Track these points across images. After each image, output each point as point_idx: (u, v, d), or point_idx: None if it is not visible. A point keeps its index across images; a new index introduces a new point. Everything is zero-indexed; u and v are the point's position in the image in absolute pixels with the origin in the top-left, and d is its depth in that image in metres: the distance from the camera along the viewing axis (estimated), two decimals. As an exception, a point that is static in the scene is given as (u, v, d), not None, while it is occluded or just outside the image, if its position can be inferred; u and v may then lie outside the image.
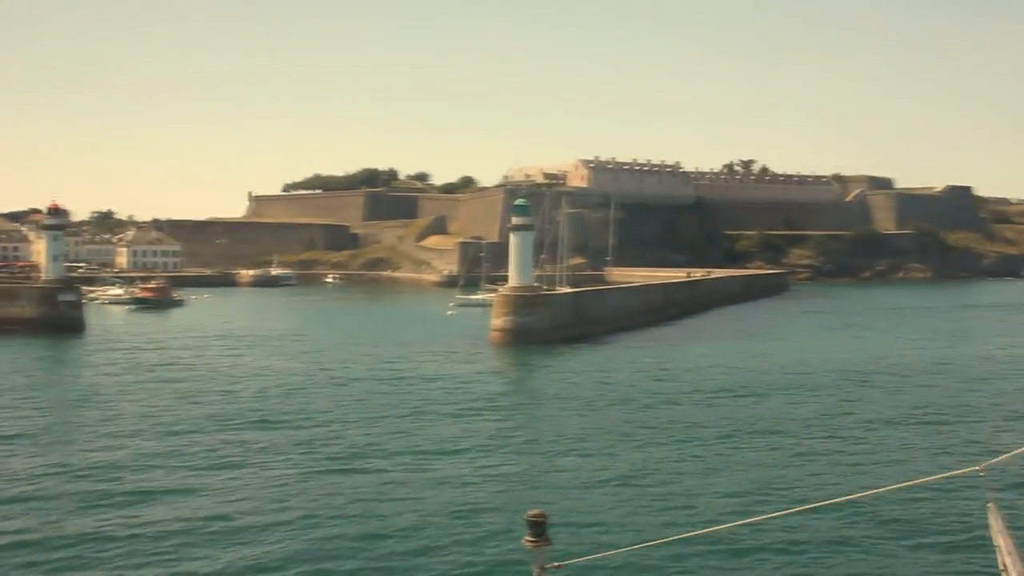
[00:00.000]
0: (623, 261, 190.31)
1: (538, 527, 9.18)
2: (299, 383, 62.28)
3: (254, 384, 61.71)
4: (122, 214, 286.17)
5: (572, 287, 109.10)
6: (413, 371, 68.01)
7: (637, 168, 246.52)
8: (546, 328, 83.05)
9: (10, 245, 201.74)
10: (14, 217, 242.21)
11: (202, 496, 34.86)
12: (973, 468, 8.56)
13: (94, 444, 43.69)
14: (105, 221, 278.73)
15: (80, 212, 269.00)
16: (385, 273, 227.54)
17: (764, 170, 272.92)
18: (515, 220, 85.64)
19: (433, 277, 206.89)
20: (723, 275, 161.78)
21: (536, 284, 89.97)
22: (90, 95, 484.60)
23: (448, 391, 59.53)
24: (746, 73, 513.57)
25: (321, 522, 31.64)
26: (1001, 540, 7.93)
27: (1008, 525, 8.07)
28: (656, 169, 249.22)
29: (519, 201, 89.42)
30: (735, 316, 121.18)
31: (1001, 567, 7.83)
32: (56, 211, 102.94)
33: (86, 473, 38.18)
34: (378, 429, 47.01)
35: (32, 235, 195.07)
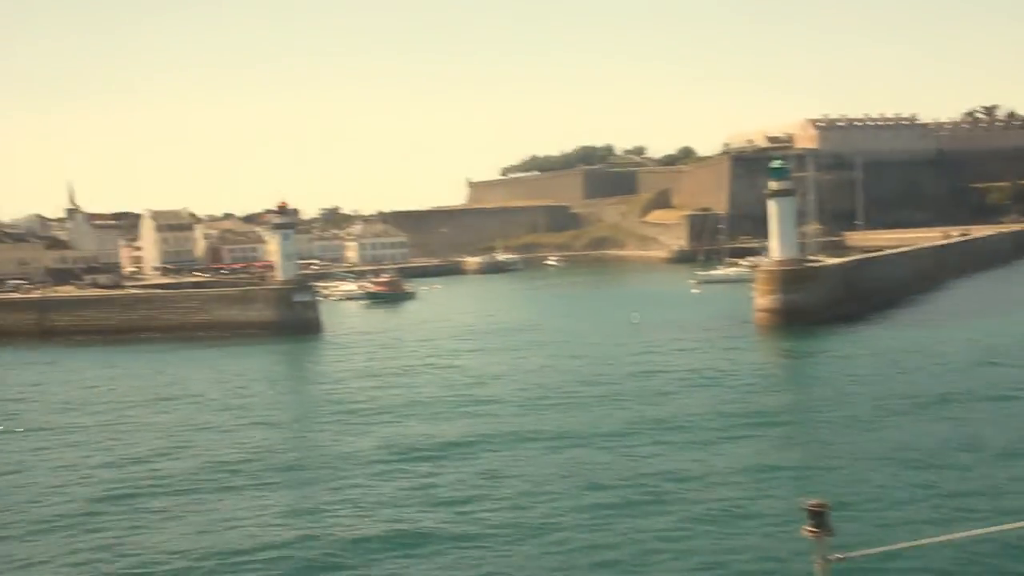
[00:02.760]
0: (854, 225, 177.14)
1: (819, 517, 8.98)
2: (551, 380, 56.79)
3: (505, 385, 56.42)
4: (348, 209, 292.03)
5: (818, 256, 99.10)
6: (677, 362, 60.94)
7: (870, 124, 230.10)
8: (818, 305, 73.72)
9: (248, 246, 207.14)
10: (250, 219, 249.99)
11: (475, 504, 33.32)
12: None
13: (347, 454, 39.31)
14: (333, 217, 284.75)
15: (309, 210, 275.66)
16: (611, 252, 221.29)
17: (1011, 115, 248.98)
18: (774, 185, 76.48)
19: (662, 253, 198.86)
20: (985, 233, 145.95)
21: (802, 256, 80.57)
22: (309, 98, 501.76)
23: (721, 382, 53.61)
24: (979, 9, 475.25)
25: (589, 511, 31.65)
26: None
27: None
28: (891, 123, 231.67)
29: (777, 163, 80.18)
30: (1015, 279, 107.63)
31: None
32: (284, 210, 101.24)
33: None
34: (647, 422, 44.20)
35: (267, 235, 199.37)
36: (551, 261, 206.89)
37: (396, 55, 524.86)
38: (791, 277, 74.25)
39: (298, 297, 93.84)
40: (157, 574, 28.45)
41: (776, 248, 76.41)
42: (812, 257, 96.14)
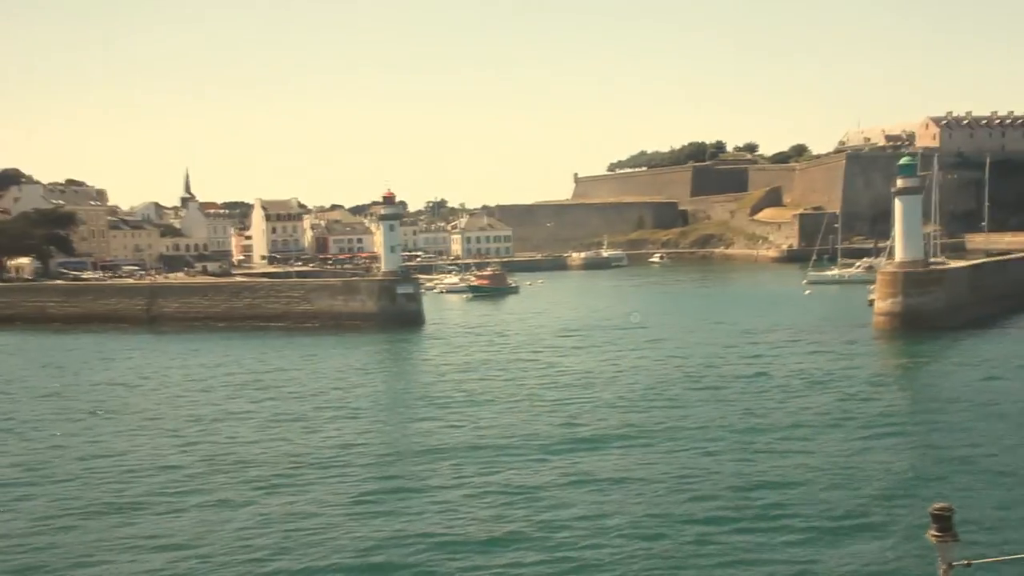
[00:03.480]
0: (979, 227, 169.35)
1: (944, 521, 8.71)
2: (657, 381, 54.46)
3: (608, 384, 54.40)
4: (454, 202, 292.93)
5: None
6: (792, 366, 57.99)
7: (997, 122, 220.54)
8: (943, 310, 69.67)
9: (354, 237, 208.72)
10: (358, 210, 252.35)
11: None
12: None
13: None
14: (439, 210, 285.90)
15: (416, 202, 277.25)
16: (718, 250, 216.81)
17: None
18: (901, 183, 72.26)
19: (771, 252, 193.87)
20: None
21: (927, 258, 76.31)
22: (420, 94, 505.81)
23: (840, 387, 50.90)
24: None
25: (694, 523, 30.12)
26: None
27: None
28: (1020, 122, 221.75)
29: (905, 160, 75.96)
30: None
31: None
32: (390, 200, 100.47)
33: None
34: (761, 428, 42.30)
35: (373, 226, 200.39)
36: (655, 259, 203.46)
37: (507, 51, 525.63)
38: (915, 280, 70.14)
39: (401, 289, 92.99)
40: (236, 568, 27.46)
41: (900, 249, 72.22)
42: (934, 259, 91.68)
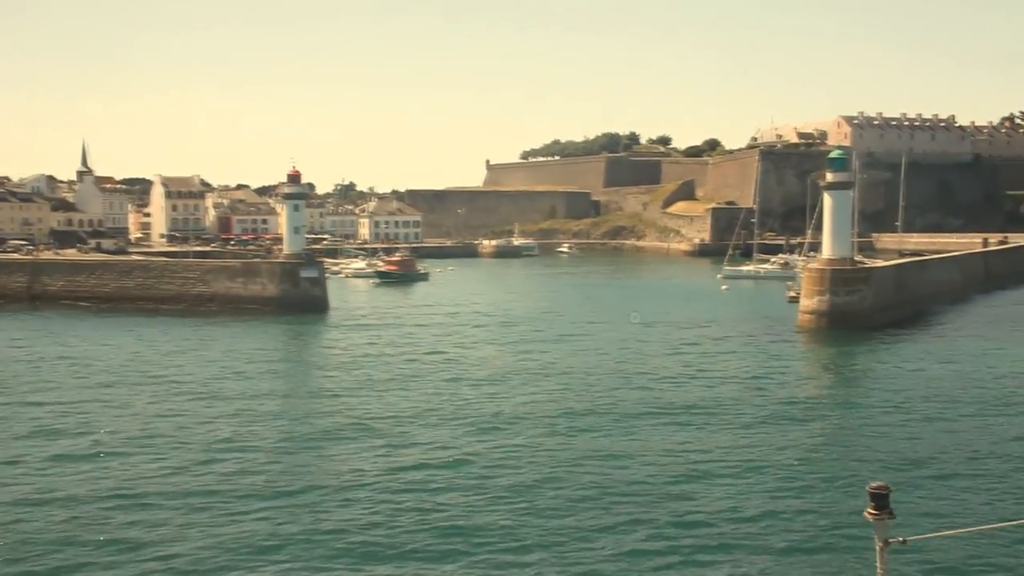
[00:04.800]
0: (892, 227, 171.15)
1: (881, 500, 8.87)
2: (576, 383, 50.50)
3: (523, 383, 50.38)
4: (363, 185, 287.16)
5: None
6: (716, 365, 55.05)
7: (906, 124, 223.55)
8: (869, 309, 67.67)
9: (259, 217, 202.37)
10: (265, 191, 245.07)
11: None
12: None
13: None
14: (347, 193, 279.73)
15: (324, 185, 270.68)
16: (629, 242, 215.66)
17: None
18: (831, 177, 69.65)
19: (682, 246, 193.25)
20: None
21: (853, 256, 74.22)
22: (329, 73, 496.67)
23: (769, 387, 48.53)
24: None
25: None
26: None
27: None
28: (928, 125, 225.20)
29: (835, 154, 73.51)
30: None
31: None
32: (295, 178, 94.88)
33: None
34: (688, 426, 40.25)
35: (279, 207, 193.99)
36: (564, 249, 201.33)
37: (422, 33, 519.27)
38: (843, 278, 67.74)
39: (305, 273, 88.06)
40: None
41: (829, 245, 69.58)
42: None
